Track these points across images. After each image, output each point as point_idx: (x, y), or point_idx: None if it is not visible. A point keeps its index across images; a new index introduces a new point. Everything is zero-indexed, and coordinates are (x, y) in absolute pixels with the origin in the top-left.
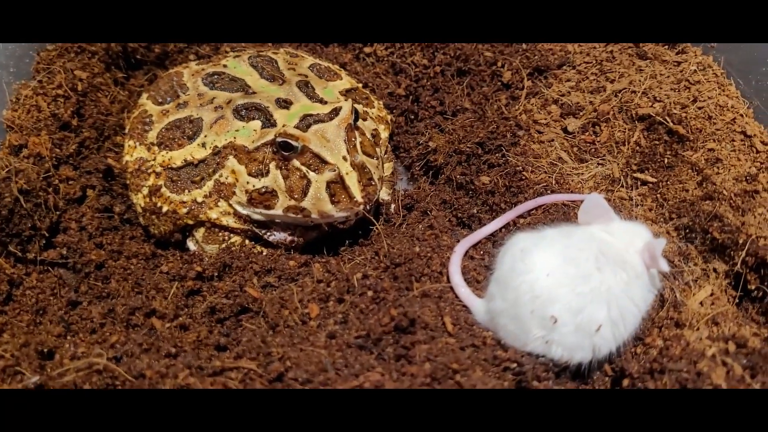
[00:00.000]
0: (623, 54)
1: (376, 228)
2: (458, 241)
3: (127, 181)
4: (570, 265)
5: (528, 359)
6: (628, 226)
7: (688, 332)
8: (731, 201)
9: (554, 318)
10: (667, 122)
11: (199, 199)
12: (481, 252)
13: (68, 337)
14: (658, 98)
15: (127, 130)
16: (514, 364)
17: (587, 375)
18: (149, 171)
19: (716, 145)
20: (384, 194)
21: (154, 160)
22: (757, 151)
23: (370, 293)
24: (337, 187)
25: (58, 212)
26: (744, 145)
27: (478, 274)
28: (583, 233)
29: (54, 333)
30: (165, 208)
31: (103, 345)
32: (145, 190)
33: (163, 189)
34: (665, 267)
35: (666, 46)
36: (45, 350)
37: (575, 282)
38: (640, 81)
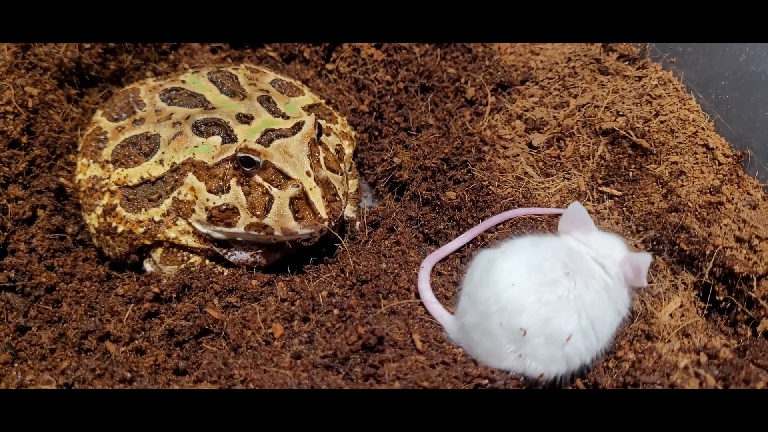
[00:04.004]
0: (585, 69)
1: (342, 245)
2: (425, 257)
3: (80, 201)
4: (536, 273)
5: (500, 375)
6: (605, 237)
7: (659, 344)
8: (696, 212)
9: (523, 330)
10: (631, 136)
11: (157, 218)
12: (449, 268)
13: (15, 365)
14: (620, 113)
15: (80, 148)
16: (486, 381)
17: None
18: (103, 190)
19: (679, 158)
20: (349, 211)
21: (109, 178)
22: (720, 164)
23: (336, 311)
24: (300, 203)
25: (5, 233)
26: (706, 157)
27: (447, 290)
28: (552, 241)
29: (0, 361)
30: (120, 228)
31: (53, 372)
32: (99, 210)
33: (119, 208)
34: (645, 283)
35: (627, 62)
36: None
37: (541, 290)
38: (602, 96)
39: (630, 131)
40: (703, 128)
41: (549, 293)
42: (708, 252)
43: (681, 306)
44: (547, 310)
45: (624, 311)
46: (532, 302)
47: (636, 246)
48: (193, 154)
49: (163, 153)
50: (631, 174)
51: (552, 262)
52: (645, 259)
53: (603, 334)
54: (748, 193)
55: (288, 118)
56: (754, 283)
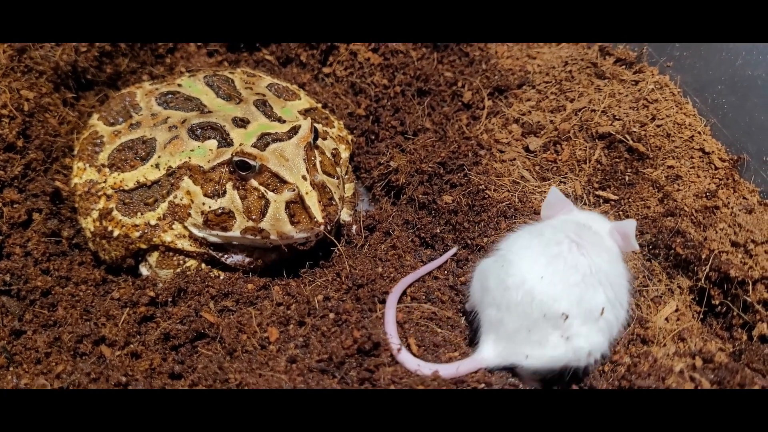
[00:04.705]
0: (582, 73)
1: (338, 249)
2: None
3: (76, 205)
4: (556, 261)
5: (497, 379)
6: (587, 214)
7: (655, 348)
8: (692, 217)
9: (565, 315)
10: (627, 140)
11: (153, 222)
12: (445, 272)
13: (10, 368)
14: (617, 117)
15: (76, 152)
16: (482, 385)
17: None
18: (99, 194)
19: (676, 162)
20: (345, 215)
21: (105, 182)
22: (716, 168)
23: (331, 315)
24: (296, 207)
25: (1, 237)
26: (703, 162)
27: (442, 294)
28: (553, 226)
29: None
30: (116, 232)
31: (48, 376)
32: (95, 214)
33: (115, 212)
34: (637, 246)
35: (623, 66)
36: None
37: (567, 274)
38: (599, 100)
39: (626, 135)
40: (699, 132)
41: (574, 274)
42: (704, 256)
43: (676, 310)
44: (576, 291)
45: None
46: (563, 288)
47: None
48: (189, 158)
49: (159, 157)
50: (627, 178)
51: (567, 245)
52: (630, 224)
53: (625, 301)
54: (744, 198)
55: (284, 122)
56: (750, 288)
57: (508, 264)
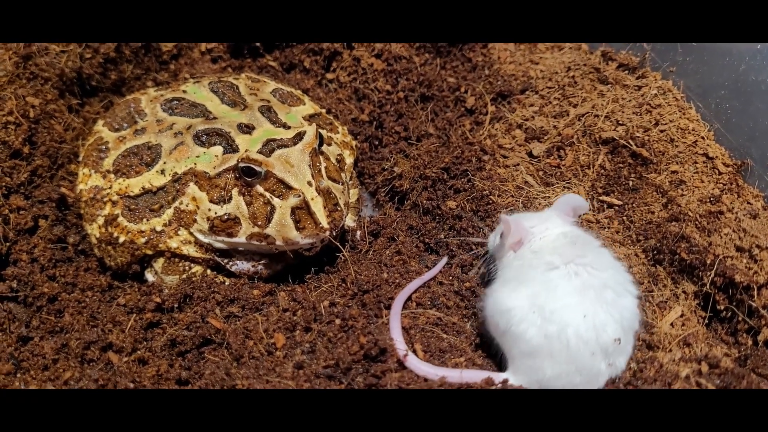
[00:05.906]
0: (585, 79)
1: (343, 254)
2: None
3: (82, 211)
4: (587, 290)
5: (504, 385)
6: (537, 219)
7: (660, 354)
8: (697, 222)
9: (618, 340)
10: (631, 145)
11: (158, 228)
12: (450, 277)
13: (18, 375)
14: (620, 122)
15: (81, 158)
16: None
17: None
18: (105, 200)
19: (679, 167)
20: (350, 221)
21: (110, 188)
22: (720, 173)
23: (338, 321)
24: (302, 213)
25: (7, 243)
26: (706, 167)
27: (447, 299)
28: (557, 257)
29: (2, 371)
30: (122, 238)
31: (55, 382)
32: (101, 220)
33: (120, 218)
34: (587, 203)
35: (626, 71)
36: None
37: (603, 297)
38: (602, 105)
39: (630, 140)
40: (702, 137)
41: (609, 293)
42: (708, 261)
43: (682, 315)
44: (617, 307)
45: None
46: (604, 313)
47: (636, 255)
48: (195, 164)
49: (164, 163)
50: (631, 183)
51: (584, 270)
52: (568, 196)
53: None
54: (748, 203)
55: (289, 128)
56: (755, 293)
57: (540, 310)
